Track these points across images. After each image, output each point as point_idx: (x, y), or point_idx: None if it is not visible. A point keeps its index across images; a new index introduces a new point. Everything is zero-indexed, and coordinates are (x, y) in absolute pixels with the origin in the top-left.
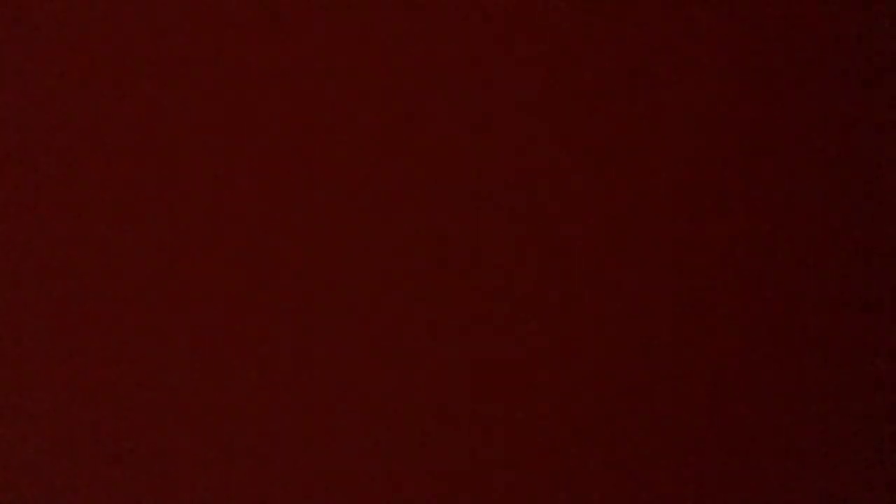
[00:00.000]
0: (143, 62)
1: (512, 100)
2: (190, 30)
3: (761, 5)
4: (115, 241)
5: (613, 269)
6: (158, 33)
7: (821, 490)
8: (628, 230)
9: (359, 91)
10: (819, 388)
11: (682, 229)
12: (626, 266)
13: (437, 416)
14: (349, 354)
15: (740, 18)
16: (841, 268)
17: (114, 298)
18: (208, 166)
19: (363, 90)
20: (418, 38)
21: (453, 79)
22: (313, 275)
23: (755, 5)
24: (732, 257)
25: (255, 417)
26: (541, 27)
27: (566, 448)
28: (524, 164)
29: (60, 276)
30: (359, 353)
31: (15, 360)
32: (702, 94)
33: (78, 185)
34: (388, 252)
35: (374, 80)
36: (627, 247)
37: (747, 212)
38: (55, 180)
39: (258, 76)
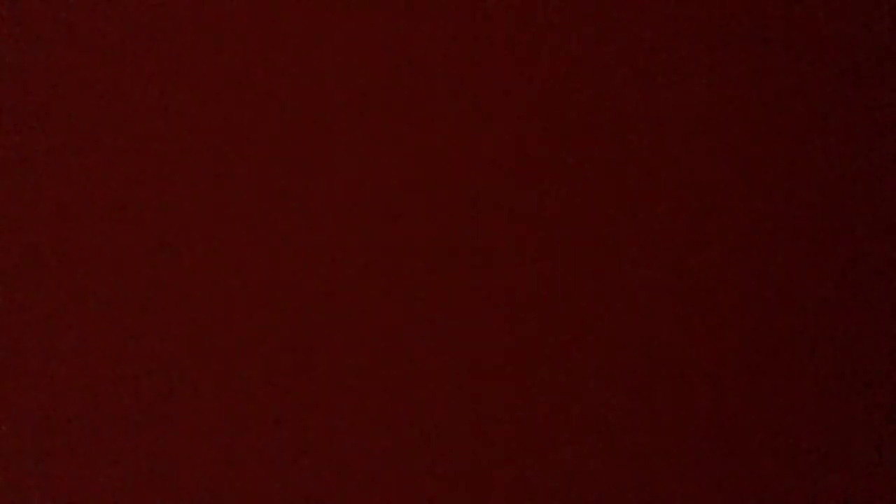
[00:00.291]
0: (142, 61)
1: (512, 99)
2: (190, 28)
3: (761, 5)
4: (114, 240)
5: (613, 269)
6: (157, 32)
7: (821, 490)
8: (628, 230)
9: (358, 89)
10: (819, 387)
11: (681, 229)
12: (626, 266)
13: (437, 415)
14: (348, 353)
15: (740, 18)
16: (841, 268)
17: (113, 298)
18: (207, 164)
19: (363, 88)
20: (419, 37)
21: (453, 78)
22: (313, 274)
23: (755, 5)
24: (733, 257)
25: (254, 417)
26: (541, 27)
27: (566, 448)
28: (524, 164)
29: (60, 275)
30: (358, 351)
31: (15, 360)
32: (702, 94)
33: (77, 184)
34: (387, 251)
35: (373, 79)
36: (627, 246)
37: (747, 211)
38: (55, 179)
39: (258, 74)
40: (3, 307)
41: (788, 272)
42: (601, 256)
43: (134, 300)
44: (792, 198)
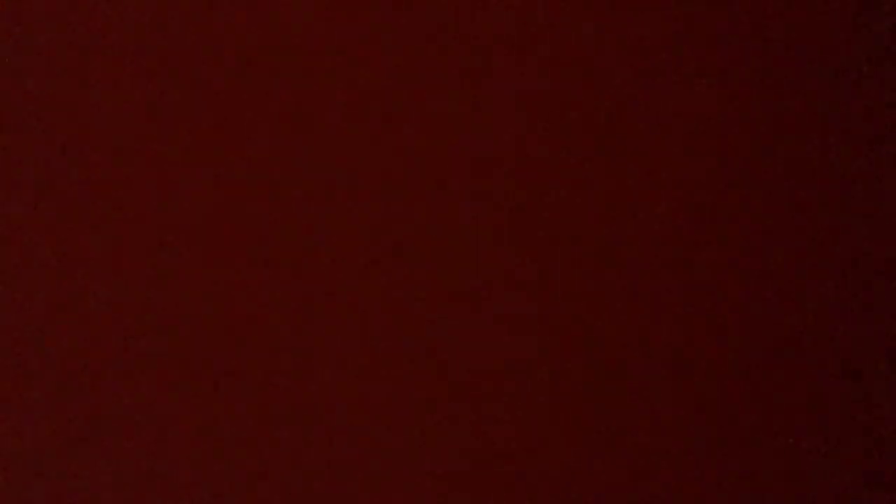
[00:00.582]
0: (141, 60)
1: (512, 99)
2: (190, 28)
3: (762, 5)
4: (114, 240)
5: (613, 269)
6: (157, 32)
7: (821, 490)
8: (628, 230)
9: (358, 88)
10: (819, 387)
11: (681, 229)
12: (626, 265)
13: (437, 415)
14: (349, 353)
15: (741, 18)
16: (841, 267)
17: (113, 298)
18: (207, 164)
19: (363, 87)
20: (419, 36)
21: (453, 77)
22: (313, 274)
23: (755, 5)
24: (733, 257)
25: (254, 418)
26: (541, 26)
27: (566, 448)
28: (524, 164)
29: (60, 274)
30: (358, 351)
31: (15, 360)
32: (702, 94)
33: (77, 183)
34: (387, 251)
35: (373, 78)
36: (627, 246)
37: (747, 211)
38: (55, 178)
39: (258, 74)
40: (2, 307)
41: (789, 271)
42: (601, 256)
43: (134, 300)
44: (792, 198)
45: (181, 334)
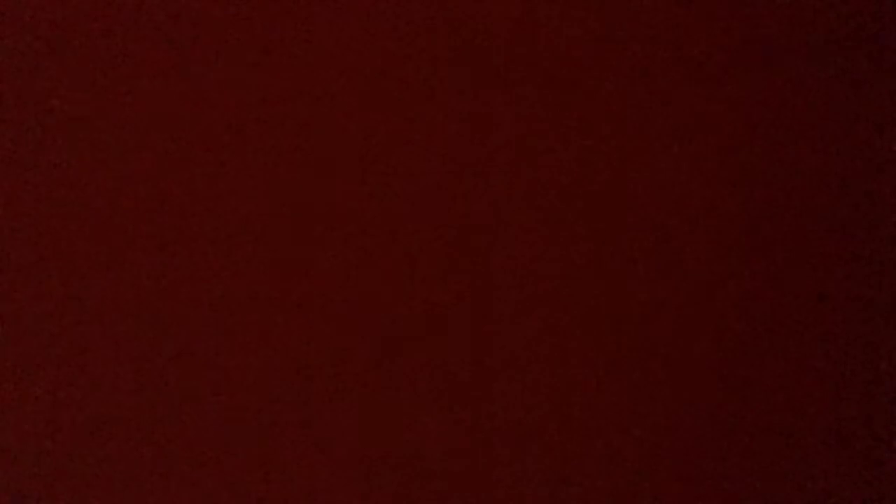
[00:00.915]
0: (140, 60)
1: (512, 99)
2: (190, 28)
3: (762, 5)
4: (114, 239)
5: (613, 269)
6: (157, 32)
7: (821, 490)
8: (628, 229)
9: (358, 87)
10: (819, 387)
11: (682, 228)
12: (625, 265)
13: (436, 415)
14: (349, 353)
15: (741, 18)
16: (840, 267)
17: (113, 297)
18: (207, 163)
19: (362, 86)
20: (419, 35)
21: (453, 77)
22: (313, 274)
23: (755, 5)
24: (733, 256)
25: (254, 418)
26: (541, 26)
27: (566, 448)
28: (523, 163)
29: (60, 274)
30: (359, 351)
31: (15, 360)
32: (702, 94)
33: (77, 184)
34: (387, 251)
35: (373, 77)
36: (627, 246)
37: (748, 211)
38: (55, 178)
39: (257, 74)
40: (2, 307)
41: (788, 271)
42: (601, 256)
43: (134, 300)
44: (793, 196)
45: (181, 334)
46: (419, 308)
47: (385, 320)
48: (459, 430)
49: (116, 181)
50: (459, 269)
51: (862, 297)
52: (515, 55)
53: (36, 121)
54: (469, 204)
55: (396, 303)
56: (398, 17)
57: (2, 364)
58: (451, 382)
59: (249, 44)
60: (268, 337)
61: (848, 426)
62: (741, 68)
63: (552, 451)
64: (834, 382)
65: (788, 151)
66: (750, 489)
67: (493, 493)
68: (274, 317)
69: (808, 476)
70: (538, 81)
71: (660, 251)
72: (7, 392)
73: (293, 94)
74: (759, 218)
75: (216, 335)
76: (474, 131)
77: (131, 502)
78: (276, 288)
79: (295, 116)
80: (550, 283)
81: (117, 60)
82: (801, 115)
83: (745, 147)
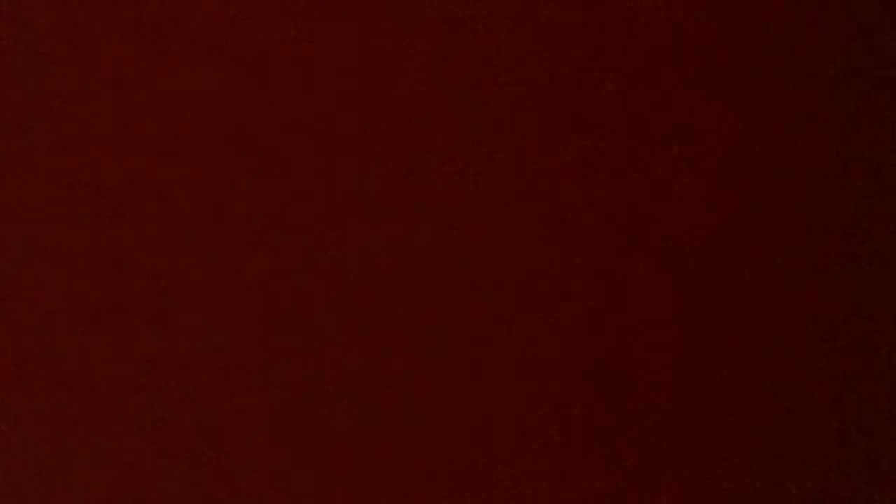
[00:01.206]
0: (140, 61)
1: (511, 98)
2: (188, 27)
3: (762, 5)
4: (114, 240)
5: (612, 269)
6: (157, 32)
7: (820, 490)
8: (628, 230)
9: (358, 87)
10: (819, 387)
11: (682, 228)
12: (625, 265)
13: (436, 415)
14: (349, 353)
15: (741, 17)
16: (840, 267)
17: (113, 297)
18: (206, 164)
19: (362, 86)
20: (418, 35)
21: (452, 76)
22: (313, 274)
23: (756, 5)
24: (733, 256)
25: (254, 418)
26: (541, 26)
27: (566, 448)
28: (523, 164)
29: (59, 275)
30: (359, 351)
31: (14, 360)
32: (702, 94)
33: (77, 184)
34: (387, 251)
35: (372, 77)
36: (628, 246)
37: (748, 211)
38: (55, 178)
39: (257, 74)
40: (2, 307)
41: (788, 271)
42: (600, 255)
43: (134, 300)
44: (793, 196)
45: (180, 334)
46: (419, 308)
47: (384, 320)
48: (459, 430)
49: (116, 181)
50: (459, 270)
51: (862, 297)
52: (515, 55)
53: (36, 121)
54: (469, 204)
55: (396, 303)
56: (398, 17)
57: (2, 364)
58: (451, 383)
59: (249, 44)
60: (267, 337)
61: (848, 426)
62: (741, 68)
63: (552, 452)
64: (834, 382)
65: (788, 151)
66: (750, 489)
67: (493, 493)
68: (274, 317)
69: (808, 476)
70: (538, 81)
71: (660, 251)
72: (7, 392)
73: (293, 94)
74: (759, 218)
75: (216, 335)
76: (473, 132)
77: (131, 501)
78: (276, 288)
79: (295, 116)
80: (550, 282)
81: (117, 60)
82: (801, 115)
83: (745, 147)
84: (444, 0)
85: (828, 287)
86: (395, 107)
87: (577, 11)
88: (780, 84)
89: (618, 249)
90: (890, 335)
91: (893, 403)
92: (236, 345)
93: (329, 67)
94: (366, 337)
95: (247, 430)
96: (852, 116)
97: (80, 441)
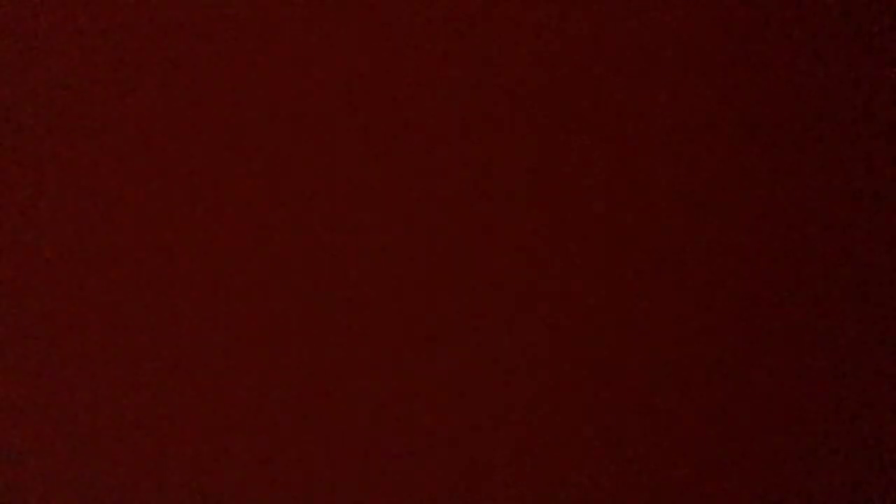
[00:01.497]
0: (140, 62)
1: (511, 98)
2: (189, 27)
3: (762, 5)
4: (114, 239)
5: (612, 269)
6: (157, 32)
7: (821, 490)
8: (628, 230)
9: (358, 87)
10: (819, 387)
11: (681, 228)
12: (624, 266)
13: (437, 416)
14: (349, 353)
15: (741, 17)
16: (840, 267)
17: (113, 297)
18: (207, 164)
19: (362, 86)
20: (417, 35)
21: (452, 76)
22: (313, 274)
23: (755, 5)
24: (733, 256)
25: (254, 419)
26: (541, 26)
27: (566, 448)
28: (523, 164)
29: (61, 274)
30: (359, 351)
31: (14, 360)
32: (702, 94)
33: (76, 184)
34: (387, 252)
35: (372, 77)
36: (627, 246)
37: (747, 211)
38: (54, 179)
39: (257, 74)
40: (3, 307)
41: (788, 270)
42: (600, 255)
43: (134, 300)
44: (793, 196)
45: (180, 334)
46: (419, 308)
47: (385, 320)
48: (459, 431)
49: (116, 181)
50: (459, 270)
51: (862, 297)
52: (515, 55)
53: (36, 121)
54: (469, 204)
55: (396, 303)
56: (398, 17)
57: (2, 363)
58: (450, 383)
59: (249, 44)
60: (267, 336)
61: (848, 426)
62: (741, 68)
63: (552, 452)
64: (834, 382)
65: (788, 151)
66: (750, 489)
67: (493, 492)
68: (273, 316)
69: (808, 476)
70: (538, 81)
71: (659, 250)
72: (7, 392)
73: (293, 95)
74: (759, 218)
75: (215, 334)
76: (473, 132)
77: (131, 501)
78: (276, 288)
79: (295, 116)
80: (550, 282)
81: (117, 60)
82: (801, 115)
83: (745, 147)
84: (445, 0)
85: (828, 287)
86: (396, 107)
87: (578, 11)
88: (780, 84)
89: (618, 249)
90: (890, 335)
91: (893, 403)
92: (236, 345)
93: (329, 67)
94: (366, 337)
95: (247, 430)
96: (852, 116)
97: (80, 440)
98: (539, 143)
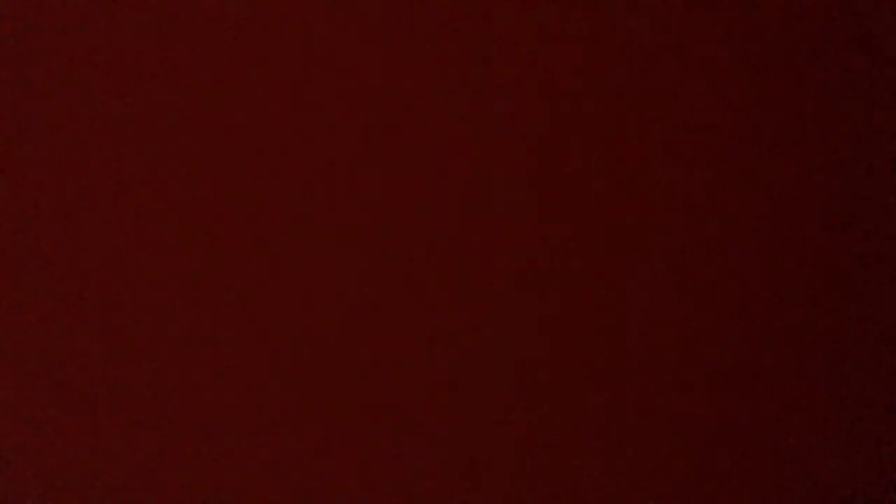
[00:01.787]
0: (140, 62)
1: (511, 99)
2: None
3: (762, 5)
4: (114, 239)
5: (613, 269)
6: (156, 33)
7: (820, 490)
8: (628, 230)
9: (358, 88)
10: (819, 388)
11: (681, 228)
12: (625, 266)
13: (436, 416)
14: (349, 354)
15: (741, 18)
16: (840, 267)
17: (113, 297)
18: (206, 164)
19: (362, 87)
20: (418, 36)
21: (452, 77)
22: (313, 274)
23: (756, 5)
24: (733, 256)
25: (254, 419)
26: (541, 26)
27: (566, 448)
28: (523, 164)
29: (60, 275)
30: (359, 352)
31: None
32: (702, 94)
33: (76, 185)
34: (387, 252)
35: (374, 77)
36: (627, 246)
37: (748, 211)
38: (55, 179)
39: (257, 74)
40: (3, 307)
41: (788, 270)
42: (600, 255)
43: (134, 300)
44: (793, 196)
45: (180, 334)
46: (418, 308)
47: (385, 320)
48: (459, 430)
49: (116, 181)
50: (459, 271)
51: (862, 297)
52: (515, 55)
53: (36, 121)
54: (469, 204)
55: (396, 303)
56: (398, 17)
57: (2, 364)
58: (450, 383)
59: (249, 44)
60: (266, 337)
61: (848, 426)
62: (741, 68)
63: (552, 452)
64: (834, 382)
65: (788, 151)
66: (750, 489)
67: (493, 493)
68: (273, 317)
69: (808, 476)
70: (538, 81)
71: (659, 250)
72: (7, 392)
73: (293, 95)
74: (759, 218)
75: (215, 334)
76: (473, 133)
77: (131, 500)
78: (275, 288)
79: (295, 116)
80: (551, 282)
81: (117, 60)
82: (801, 115)
83: (746, 147)
84: (445, 0)
85: (828, 287)
86: (396, 107)
87: (578, 12)
88: (780, 84)
89: (618, 249)
90: (890, 335)
91: (894, 403)
92: (236, 345)
93: (329, 68)
94: (366, 337)
95: (246, 430)
96: (852, 116)
97: (79, 441)
98: (539, 144)
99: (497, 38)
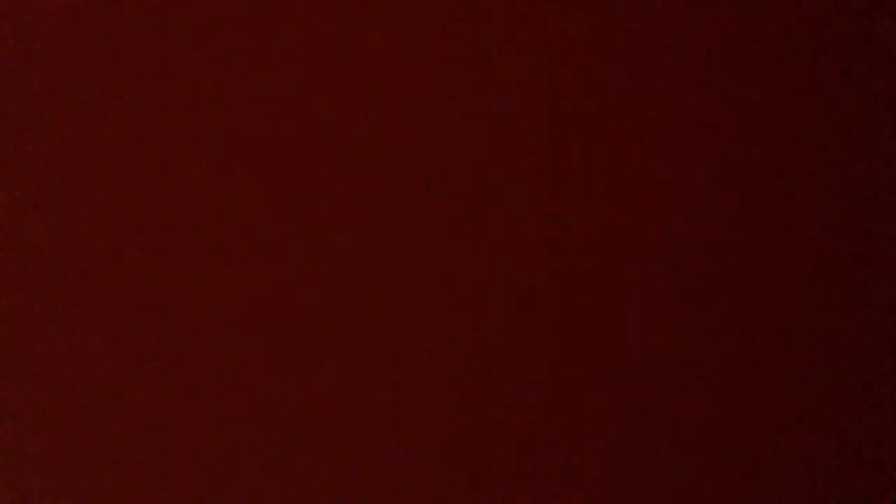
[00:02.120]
0: (140, 63)
1: (510, 99)
2: (188, 28)
3: (762, 5)
4: (114, 239)
5: (613, 270)
6: (156, 33)
7: (821, 490)
8: (628, 230)
9: (358, 88)
10: (819, 387)
11: (681, 228)
12: (625, 266)
13: (437, 416)
14: (349, 354)
15: (741, 18)
16: (840, 267)
17: (113, 297)
18: (206, 164)
19: (362, 87)
20: (418, 36)
21: (452, 77)
22: (313, 274)
23: (755, 5)
24: (733, 256)
25: (254, 419)
26: (541, 26)
27: (566, 448)
28: (523, 164)
29: (61, 275)
30: (359, 352)
31: (14, 359)
32: (702, 94)
33: (76, 184)
34: (387, 252)
35: (374, 77)
36: (627, 247)
37: (748, 211)
38: (54, 180)
39: (258, 74)
40: (3, 307)
41: (788, 270)
42: (600, 255)
43: (134, 300)
44: (793, 196)
45: (180, 334)
46: (418, 308)
47: (385, 320)
48: (459, 431)
49: (116, 180)
50: (459, 271)
51: (862, 297)
52: (515, 55)
53: (36, 121)
54: (469, 205)
55: (396, 304)
56: (398, 18)
57: (2, 363)
58: (451, 383)
59: (250, 44)
60: (266, 337)
61: (848, 426)
62: (741, 68)
63: (552, 452)
64: (834, 382)
65: (788, 151)
66: (750, 489)
67: (493, 492)
68: (273, 316)
69: (808, 476)
70: (538, 81)
71: (659, 250)
72: (7, 392)
73: (293, 95)
74: (759, 218)
75: (215, 334)
76: (474, 132)
77: (131, 500)
78: (276, 288)
79: (295, 117)
80: (551, 282)
81: (118, 60)
82: (801, 115)
83: (746, 147)
84: (446, 0)
85: (828, 287)
86: (396, 107)
87: (578, 12)
88: (780, 84)
89: (618, 249)
90: (890, 335)
91: (894, 403)
92: (236, 345)
93: (330, 67)
94: (366, 337)
95: (247, 430)
96: (852, 116)
97: (80, 441)
98: (539, 144)
99: (497, 38)
